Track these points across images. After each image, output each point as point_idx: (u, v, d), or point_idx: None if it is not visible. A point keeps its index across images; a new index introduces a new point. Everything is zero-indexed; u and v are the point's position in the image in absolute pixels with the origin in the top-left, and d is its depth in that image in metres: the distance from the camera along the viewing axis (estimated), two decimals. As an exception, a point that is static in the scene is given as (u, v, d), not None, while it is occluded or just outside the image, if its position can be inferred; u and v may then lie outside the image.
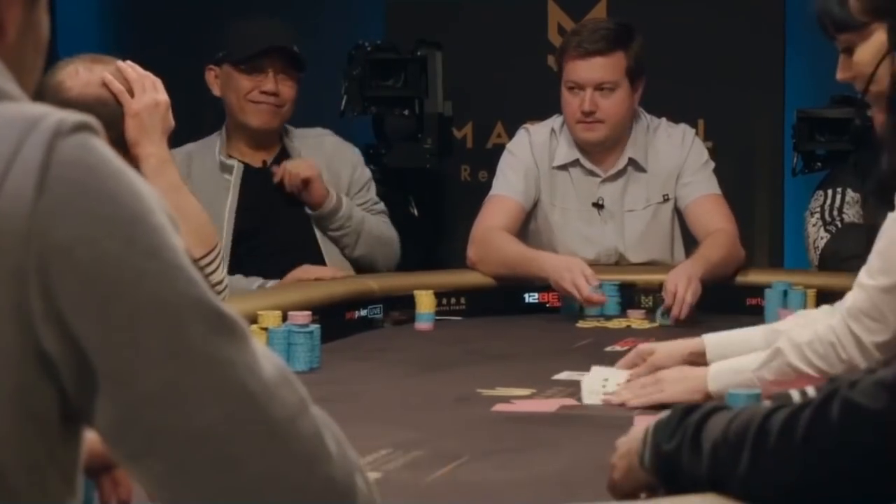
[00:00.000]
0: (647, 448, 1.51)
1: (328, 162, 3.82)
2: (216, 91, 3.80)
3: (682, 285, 3.44)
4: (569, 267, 3.55)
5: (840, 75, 2.50)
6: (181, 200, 2.61)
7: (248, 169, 3.77)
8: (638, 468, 1.52)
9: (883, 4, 2.35)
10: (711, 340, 2.62)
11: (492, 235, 3.76)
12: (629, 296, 3.66)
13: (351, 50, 4.46)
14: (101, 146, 1.07)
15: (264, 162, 3.80)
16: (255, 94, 3.73)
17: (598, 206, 3.87)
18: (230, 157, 3.78)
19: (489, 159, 4.95)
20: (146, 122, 2.56)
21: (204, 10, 5.24)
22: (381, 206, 3.93)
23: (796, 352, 2.32)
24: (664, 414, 1.52)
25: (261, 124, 3.75)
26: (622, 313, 3.59)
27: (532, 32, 5.00)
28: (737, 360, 2.44)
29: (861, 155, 3.90)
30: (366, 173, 3.92)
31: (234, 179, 3.74)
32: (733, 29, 4.87)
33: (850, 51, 2.45)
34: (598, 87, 3.78)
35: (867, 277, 2.27)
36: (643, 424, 1.56)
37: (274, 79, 3.73)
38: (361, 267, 3.81)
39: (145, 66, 2.65)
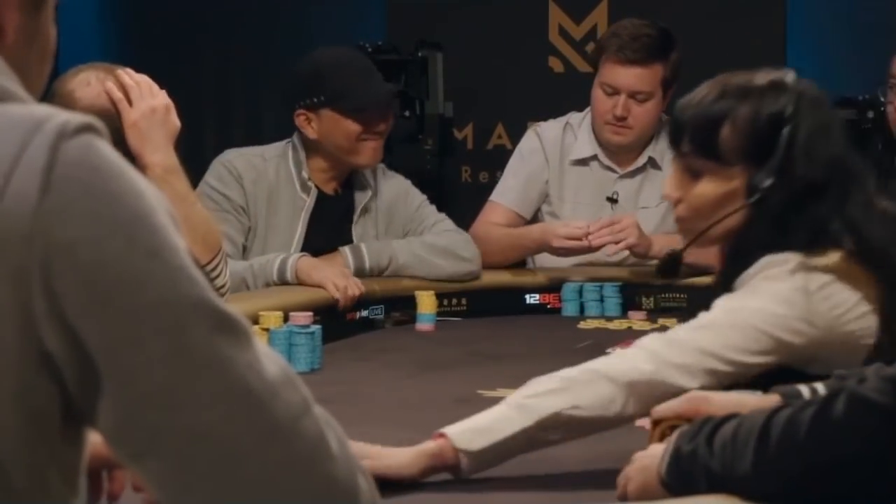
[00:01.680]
0: (667, 455, 1.51)
1: (388, 208, 3.72)
2: (311, 134, 3.63)
3: (621, 222, 3.59)
4: (558, 222, 3.69)
5: (668, 192, 2.22)
6: (188, 210, 2.55)
7: (320, 195, 3.66)
8: (655, 484, 1.52)
9: (755, 151, 2.12)
10: None
11: (487, 230, 3.83)
12: (630, 297, 3.66)
13: (352, 51, 4.45)
14: (105, 147, 1.07)
15: (336, 191, 3.69)
16: (367, 133, 3.61)
17: (612, 200, 3.88)
18: (310, 179, 3.66)
19: (490, 160, 4.97)
20: (145, 130, 2.52)
21: (204, 11, 5.24)
22: (433, 217, 3.73)
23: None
24: (688, 425, 1.53)
25: (370, 162, 3.66)
26: (623, 314, 3.60)
27: (533, 33, 5.01)
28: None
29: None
30: (413, 202, 3.76)
31: (309, 203, 3.63)
32: (734, 30, 4.87)
33: (694, 174, 2.17)
34: (633, 95, 3.79)
35: None
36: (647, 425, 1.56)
37: (385, 122, 3.65)
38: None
39: (145, 69, 2.61)
